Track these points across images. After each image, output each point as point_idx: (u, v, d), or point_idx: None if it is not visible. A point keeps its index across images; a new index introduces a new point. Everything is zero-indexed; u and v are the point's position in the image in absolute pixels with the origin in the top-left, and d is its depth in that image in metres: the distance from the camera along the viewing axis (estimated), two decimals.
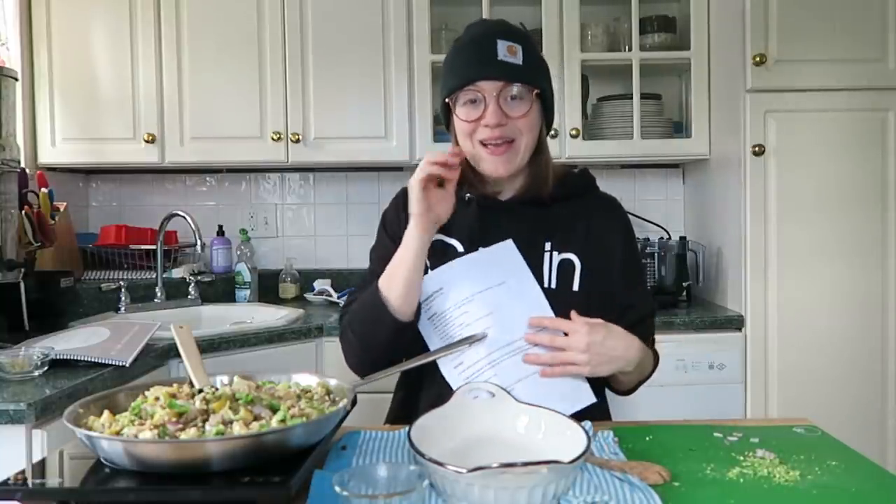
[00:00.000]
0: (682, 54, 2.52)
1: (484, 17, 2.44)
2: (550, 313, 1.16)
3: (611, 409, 1.36)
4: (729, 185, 2.36)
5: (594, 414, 1.16)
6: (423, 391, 1.25)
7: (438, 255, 1.24)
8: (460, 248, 1.24)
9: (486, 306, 1.16)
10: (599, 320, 1.16)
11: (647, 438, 1.07)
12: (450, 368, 1.17)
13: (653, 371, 1.32)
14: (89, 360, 1.60)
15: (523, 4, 2.56)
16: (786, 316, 2.21)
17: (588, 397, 1.16)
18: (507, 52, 1.20)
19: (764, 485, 0.89)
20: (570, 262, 1.24)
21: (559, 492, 0.81)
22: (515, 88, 1.19)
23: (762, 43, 2.18)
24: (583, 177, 1.37)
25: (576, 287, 1.23)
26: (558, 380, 1.14)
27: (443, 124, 1.34)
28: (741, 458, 0.98)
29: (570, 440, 0.90)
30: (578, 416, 1.04)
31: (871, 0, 2.19)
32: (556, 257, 1.23)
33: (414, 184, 1.14)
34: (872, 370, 2.22)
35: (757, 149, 2.20)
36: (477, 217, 1.25)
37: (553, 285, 1.21)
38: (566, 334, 1.14)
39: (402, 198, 1.31)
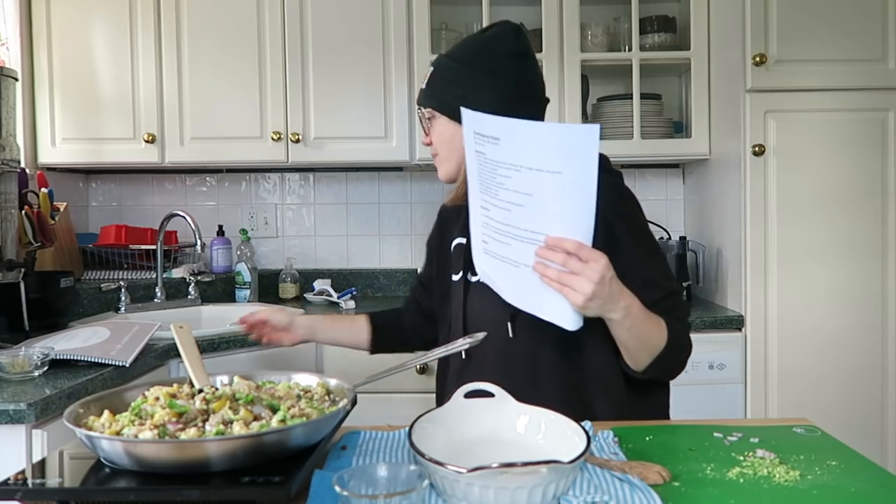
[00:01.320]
0: (682, 54, 2.52)
1: (484, 17, 2.45)
2: (590, 228, 1.04)
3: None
4: (729, 185, 2.36)
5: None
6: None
7: (461, 256, 1.36)
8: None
9: (529, 185, 1.02)
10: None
11: (647, 438, 1.07)
12: (477, 214, 1.13)
13: (678, 354, 1.23)
14: (89, 359, 1.59)
15: (523, 4, 2.56)
16: (786, 316, 2.21)
17: (574, 323, 1.07)
18: (424, 77, 1.38)
19: (764, 485, 0.89)
20: None
21: (559, 492, 0.81)
22: (420, 112, 1.39)
23: (762, 43, 2.18)
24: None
25: None
26: (551, 290, 1.06)
27: None
28: (741, 458, 0.98)
29: (570, 440, 0.90)
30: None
31: (871, 0, 2.19)
32: None
33: None
34: (872, 370, 2.22)
35: (757, 149, 2.20)
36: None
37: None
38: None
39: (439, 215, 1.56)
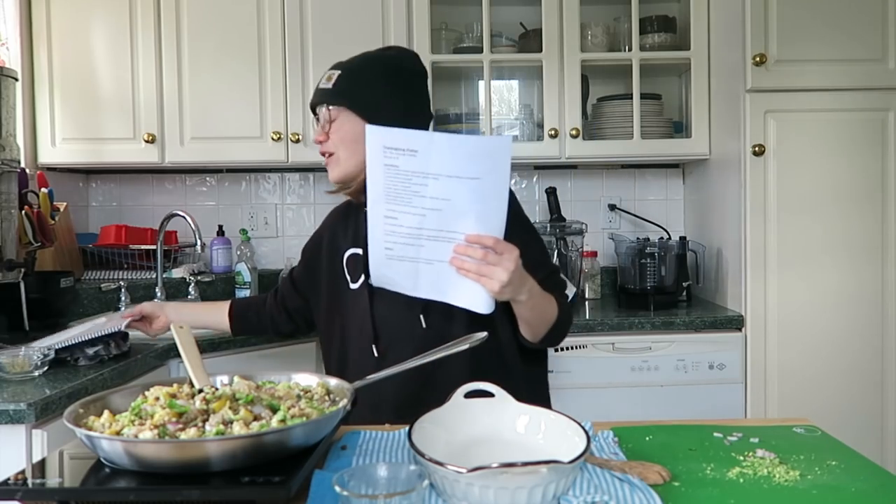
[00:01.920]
0: (682, 54, 2.52)
1: (484, 17, 2.45)
2: (502, 225, 1.18)
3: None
4: (729, 185, 2.36)
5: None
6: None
7: (359, 265, 1.43)
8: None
9: (448, 192, 1.15)
10: None
11: (647, 438, 1.07)
12: (379, 224, 1.19)
13: (566, 322, 1.38)
14: (87, 338, 1.62)
15: (523, 4, 2.56)
16: (786, 316, 2.21)
17: (487, 307, 1.20)
18: (326, 80, 1.42)
19: (764, 485, 0.89)
20: None
21: (559, 492, 0.81)
22: (324, 110, 1.41)
23: (762, 43, 2.18)
24: None
25: None
26: (470, 281, 1.18)
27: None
28: (741, 458, 0.98)
29: (570, 440, 0.90)
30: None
31: (871, 0, 2.19)
32: None
33: None
34: (872, 370, 2.22)
35: (757, 149, 2.20)
36: (365, 221, 1.27)
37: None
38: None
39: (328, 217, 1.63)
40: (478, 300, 1.20)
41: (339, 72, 1.42)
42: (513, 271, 1.16)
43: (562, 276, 1.47)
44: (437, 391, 1.13)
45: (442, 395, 1.04)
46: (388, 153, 1.15)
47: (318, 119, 1.44)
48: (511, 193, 1.38)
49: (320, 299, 1.55)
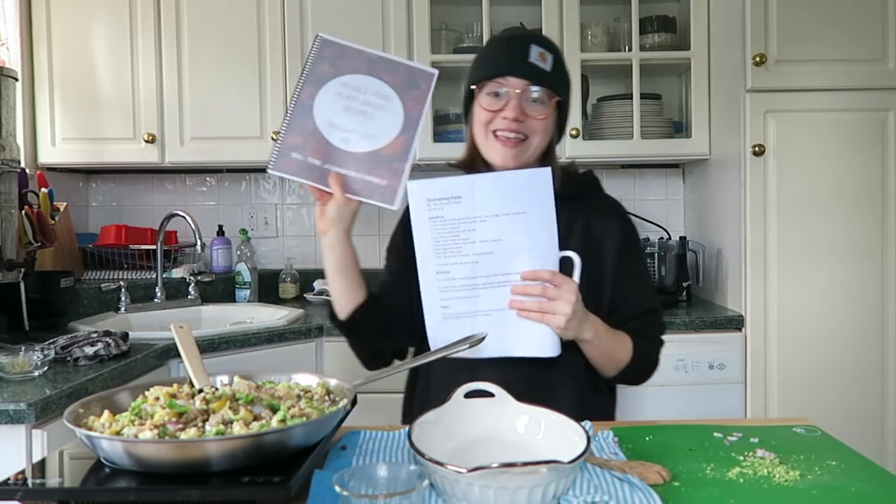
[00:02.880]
0: (682, 54, 2.52)
1: (484, 17, 2.44)
2: (556, 258, 1.15)
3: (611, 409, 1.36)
4: (729, 185, 2.36)
5: (596, 414, 1.19)
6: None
7: None
8: None
9: (497, 232, 1.14)
10: None
11: (647, 438, 1.07)
12: (432, 283, 1.17)
13: (642, 369, 1.32)
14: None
15: (523, 4, 2.56)
16: (786, 316, 2.21)
17: (555, 349, 1.17)
18: (539, 57, 1.27)
19: (764, 485, 0.89)
20: (569, 259, 1.23)
21: (559, 492, 0.81)
22: (538, 92, 1.26)
23: (762, 43, 2.18)
24: (587, 178, 1.42)
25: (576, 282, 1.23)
26: (532, 323, 1.15)
27: (461, 114, 1.41)
28: (741, 458, 0.98)
29: (570, 440, 0.90)
30: (583, 416, 1.04)
31: (871, 0, 2.19)
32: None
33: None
34: (872, 370, 2.22)
35: (757, 149, 2.20)
36: None
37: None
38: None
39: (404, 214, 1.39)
40: (544, 343, 1.16)
41: (552, 55, 1.29)
42: (574, 303, 1.13)
43: (661, 318, 1.37)
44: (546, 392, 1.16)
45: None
46: (431, 205, 1.15)
47: (498, 91, 1.27)
48: (633, 227, 1.38)
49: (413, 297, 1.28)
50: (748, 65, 2.19)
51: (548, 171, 1.14)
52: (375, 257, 2.87)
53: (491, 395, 1.03)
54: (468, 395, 1.03)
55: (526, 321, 1.15)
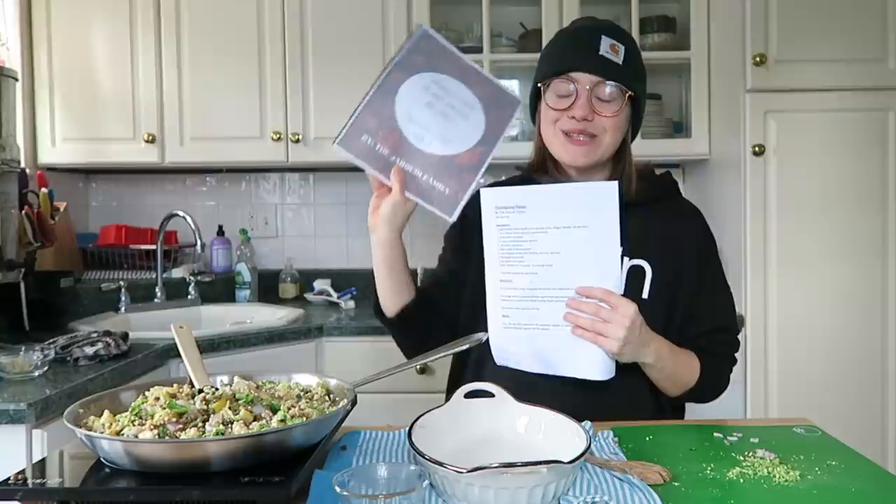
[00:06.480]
0: (682, 54, 2.52)
1: (484, 17, 2.44)
2: (617, 276, 1.10)
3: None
4: (729, 185, 2.36)
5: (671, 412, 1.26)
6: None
7: None
8: None
9: (557, 244, 1.10)
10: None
11: (647, 438, 1.07)
12: (496, 290, 1.15)
13: (709, 390, 1.27)
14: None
15: (523, 4, 2.55)
16: (786, 316, 2.21)
17: (606, 372, 1.12)
18: (610, 49, 1.20)
19: (764, 485, 0.89)
20: (640, 268, 1.20)
21: (559, 492, 0.81)
22: (609, 87, 1.20)
23: (762, 43, 2.18)
24: (665, 180, 1.35)
25: (645, 294, 1.19)
26: (586, 344, 1.10)
27: (528, 110, 1.34)
28: (741, 458, 0.98)
29: (570, 440, 0.90)
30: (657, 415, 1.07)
31: (871, 0, 2.19)
32: (627, 262, 1.20)
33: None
34: (872, 370, 2.22)
35: (757, 149, 2.20)
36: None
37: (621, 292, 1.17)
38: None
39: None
40: (596, 365, 1.12)
41: (624, 46, 1.23)
42: (628, 327, 1.06)
43: (735, 337, 1.32)
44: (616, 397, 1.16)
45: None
46: (499, 213, 1.14)
47: (566, 88, 1.21)
48: (712, 235, 1.32)
49: (465, 295, 1.31)
50: (748, 65, 2.19)
51: (614, 185, 1.06)
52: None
53: (491, 395, 1.03)
54: (468, 395, 1.03)
55: (580, 340, 1.10)
